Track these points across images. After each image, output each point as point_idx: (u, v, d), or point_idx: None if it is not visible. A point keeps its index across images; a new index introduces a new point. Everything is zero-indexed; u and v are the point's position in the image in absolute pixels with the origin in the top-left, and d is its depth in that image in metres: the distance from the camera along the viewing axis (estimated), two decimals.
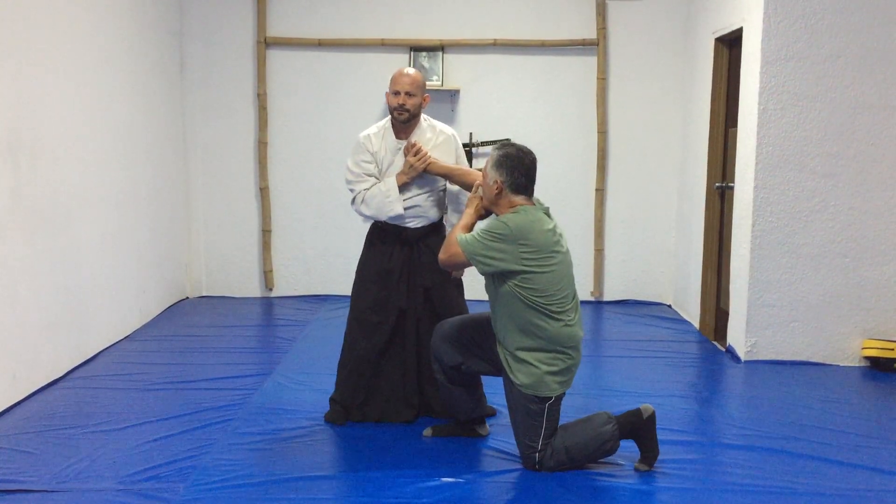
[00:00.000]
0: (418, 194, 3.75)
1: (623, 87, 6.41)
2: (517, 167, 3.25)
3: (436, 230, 3.84)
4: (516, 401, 3.27)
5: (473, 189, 3.48)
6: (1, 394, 3.90)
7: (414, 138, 3.74)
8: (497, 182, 3.26)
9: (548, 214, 3.32)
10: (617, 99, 6.42)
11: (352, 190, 3.77)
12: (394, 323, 3.78)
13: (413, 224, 3.77)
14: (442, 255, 3.38)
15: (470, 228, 3.40)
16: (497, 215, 3.32)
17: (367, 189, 3.71)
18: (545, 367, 3.21)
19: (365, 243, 3.91)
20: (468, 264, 3.32)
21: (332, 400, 3.90)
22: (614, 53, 6.38)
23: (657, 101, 6.43)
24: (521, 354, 3.23)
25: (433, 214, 3.82)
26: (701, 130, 5.79)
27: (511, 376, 3.25)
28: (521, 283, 3.18)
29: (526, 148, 3.33)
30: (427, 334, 3.74)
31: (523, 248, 3.17)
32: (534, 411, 3.23)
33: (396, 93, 3.68)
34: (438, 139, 3.79)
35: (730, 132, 5.41)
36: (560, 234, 3.29)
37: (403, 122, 3.72)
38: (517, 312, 3.21)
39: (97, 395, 4.17)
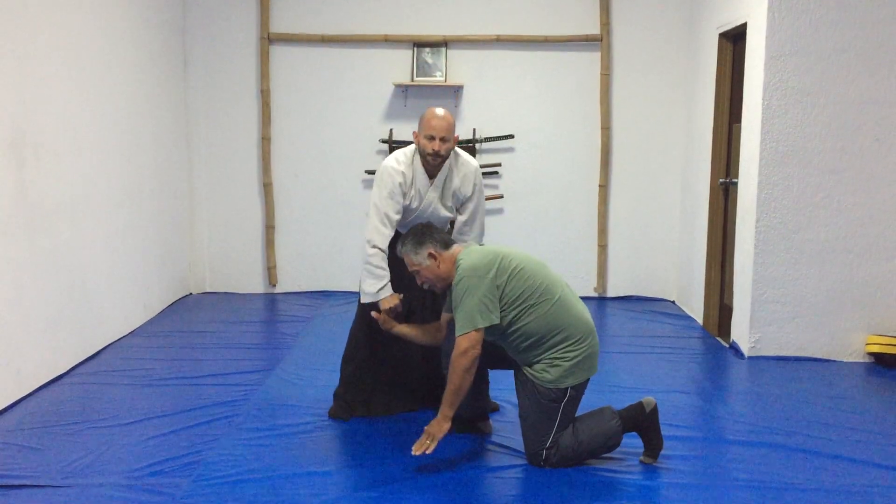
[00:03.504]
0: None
1: (627, 82, 6.40)
2: (425, 234, 3.30)
3: None
4: (531, 398, 3.26)
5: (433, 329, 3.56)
6: (6, 389, 3.90)
7: (442, 178, 3.68)
8: (429, 255, 3.28)
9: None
10: (620, 95, 6.41)
11: (371, 238, 3.61)
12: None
13: None
14: (458, 372, 3.16)
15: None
16: (453, 283, 3.27)
17: (371, 257, 3.58)
18: (566, 363, 3.21)
19: None
20: (481, 335, 3.16)
21: (336, 395, 3.91)
22: (618, 49, 6.37)
23: (661, 96, 6.42)
24: (539, 361, 3.25)
25: None
26: (705, 126, 5.78)
27: (531, 376, 3.25)
28: (507, 305, 3.19)
29: (418, 222, 3.49)
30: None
31: (491, 275, 3.18)
32: (551, 408, 3.23)
33: (431, 137, 3.58)
34: (461, 172, 3.72)
35: (734, 128, 5.41)
36: (500, 254, 3.26)
37: (436, 165, 3.68)
38: (514, 336, 3.23)
39: (102, 391, 4.18)
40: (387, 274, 3.60)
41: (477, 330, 3.13)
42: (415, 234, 3.34)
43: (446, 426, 3.18)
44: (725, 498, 3.05)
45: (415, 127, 3.73)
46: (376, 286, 3.59)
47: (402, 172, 3.63)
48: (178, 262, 6.29)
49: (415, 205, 3.68)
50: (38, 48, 4.19)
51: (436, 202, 3.72)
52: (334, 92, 6.42)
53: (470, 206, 3.79)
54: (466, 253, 3.29)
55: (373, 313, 3.62)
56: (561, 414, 3.24)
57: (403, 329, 3.62)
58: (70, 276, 4.52)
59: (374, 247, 3.58)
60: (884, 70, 4.71)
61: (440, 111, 3.62)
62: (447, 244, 3.33)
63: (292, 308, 6.15)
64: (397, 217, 3.63)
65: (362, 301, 3.68)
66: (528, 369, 3.27)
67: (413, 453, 3.13)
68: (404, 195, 3.64)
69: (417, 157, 3.67)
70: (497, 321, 3.17)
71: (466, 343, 3.13)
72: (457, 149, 3.77)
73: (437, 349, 3.69)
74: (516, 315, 3.20)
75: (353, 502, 2.98)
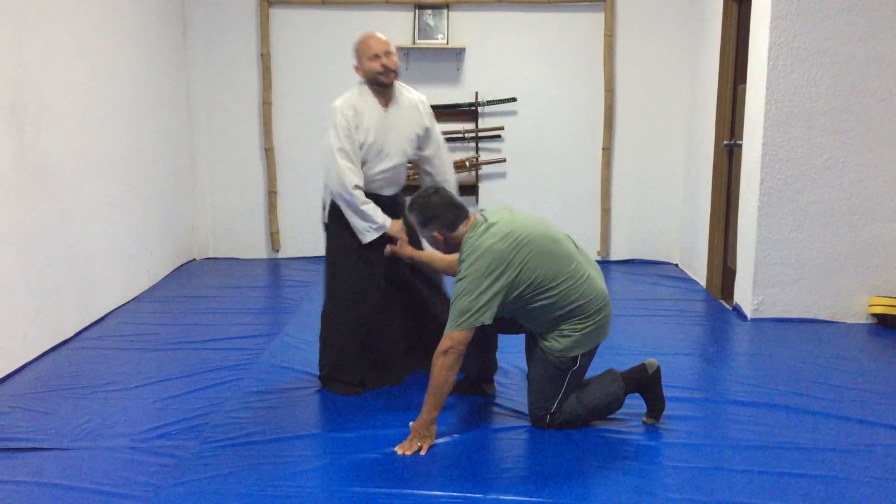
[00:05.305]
0: (397, 165, 3.69)
1: (630, 43, 6.34)
2: (432, 215, 3.18)
3: (404, 192, 3.80)
4: (540, 363, 3.26)
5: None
6: (12, 354, 3.93)
7: (394, 106, 3.64)
8: (435, 235, 3.21)
9: (487, 219, 3.18)
10: (624, 56, 6.35)
11: (347, 180, 3.51)
12: (382, 289, 3.72)
13: (387, 192, 3.73)
14: (440, 370, 3.06)
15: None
16: (461, 255, 3.17)
17: (356, 197, 3.51)
18: (577, 333, 3.20)
19: (332, 219, 3.70)
20: (468, 335, 3.05)
21: (328, 378, 3.74)
22: (622, 10, 6.30)
23: (665, 58, 6.36)
24: (551, 332, 3.23)
25: (403, 180, 3.81)
26: (709, 87, 5.73)
27: (541, 344, 3.25)
28: (518, 290, 3.10)
29: (428, 190, 3.29)
30: (416, 289, 3.77)
31: (496, 274, 3.05)
32: (558, 375, 3.23)
33: (376, 56, 3.55)
34: (410, 98, 3.72)
35: (738, 89, 5.36)
36: (512, 243, 3.10)
37: (390, 84, 3.61)
38: (527, 314, 3.20)
39: (106, 356, 4.20)
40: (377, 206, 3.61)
41: (462, 330, 3.05)
42: (422, 208, 3.19)
43: (434, 428, 3.13)
44: (727, 458, 3.07)
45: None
46: (380, 216, 3.57)
47: (353, 105, 3.58)
48: (180, 227, 6.29)
49: (371, 139, 3.58)
50: (37, 12, 4.15)
51: (393, 132, 3.64)
52: (335, 55, 6.36)
53: (433, 136, 3.76)
54: (476, 239, 3.10)
55: (387, 248, 3.60)
56: (567, 381, 3.25)
57: (419, 253, 3.62)
58: (72, 242, 4.52)
59: (356, 187, 3.53)
60: (890, 30, 4.65)
61: (376, 32, 3.64)
62: (454, 225, 3.18)
63: (296, 273, 6.16)
64: (360, 151, 3.58)
65: (366, 241, 3.59)
66: (539, 338, 3.27)
67: (398, 452, 3.06)
68: (357, 128, 3.56)
69: (365, 90, 3.62)
70: (489, 322, 3.07)
71: (450, 342, 3.04)
72: (399, 82, 3.72)
73: (421, 311, 3.78)
74: (528, 299, 3.14)
75: (358, 464, 3.00)
